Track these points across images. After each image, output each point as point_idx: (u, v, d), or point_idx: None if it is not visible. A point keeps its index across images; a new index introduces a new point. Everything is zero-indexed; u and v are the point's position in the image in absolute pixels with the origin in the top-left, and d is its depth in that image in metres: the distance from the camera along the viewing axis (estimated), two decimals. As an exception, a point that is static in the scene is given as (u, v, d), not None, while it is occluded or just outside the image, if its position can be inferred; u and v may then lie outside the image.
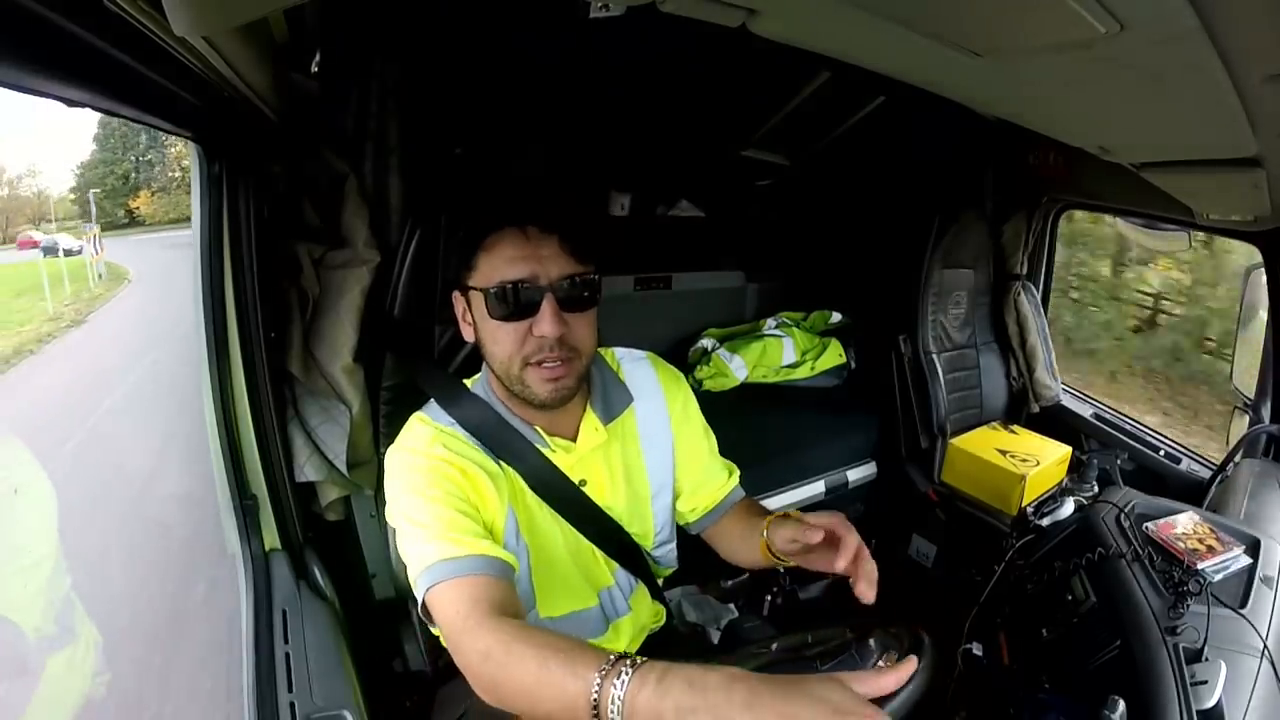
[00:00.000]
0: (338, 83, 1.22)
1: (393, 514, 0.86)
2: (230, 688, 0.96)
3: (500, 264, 0.83)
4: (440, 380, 1.03)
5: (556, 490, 0.92)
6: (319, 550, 1.22)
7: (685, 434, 1.04)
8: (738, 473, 1.09)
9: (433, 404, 0.95)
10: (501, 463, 0.90)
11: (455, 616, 0.73)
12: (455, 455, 0.86)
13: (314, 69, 1.22)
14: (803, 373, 2.36)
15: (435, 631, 1.12)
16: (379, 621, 1.23)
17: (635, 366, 1.04)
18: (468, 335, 0.90)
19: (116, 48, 0.62)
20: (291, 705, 0.88)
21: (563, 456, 0.93)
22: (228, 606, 1.11)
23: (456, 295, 0.90)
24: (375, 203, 1.27)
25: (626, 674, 0.59)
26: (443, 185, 1.43)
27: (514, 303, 0.82)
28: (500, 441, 0.90)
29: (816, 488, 2.03)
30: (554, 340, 0.83)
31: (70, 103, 0.62)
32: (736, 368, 2.29)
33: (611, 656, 0.61)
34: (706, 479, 1.06)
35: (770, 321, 2.49)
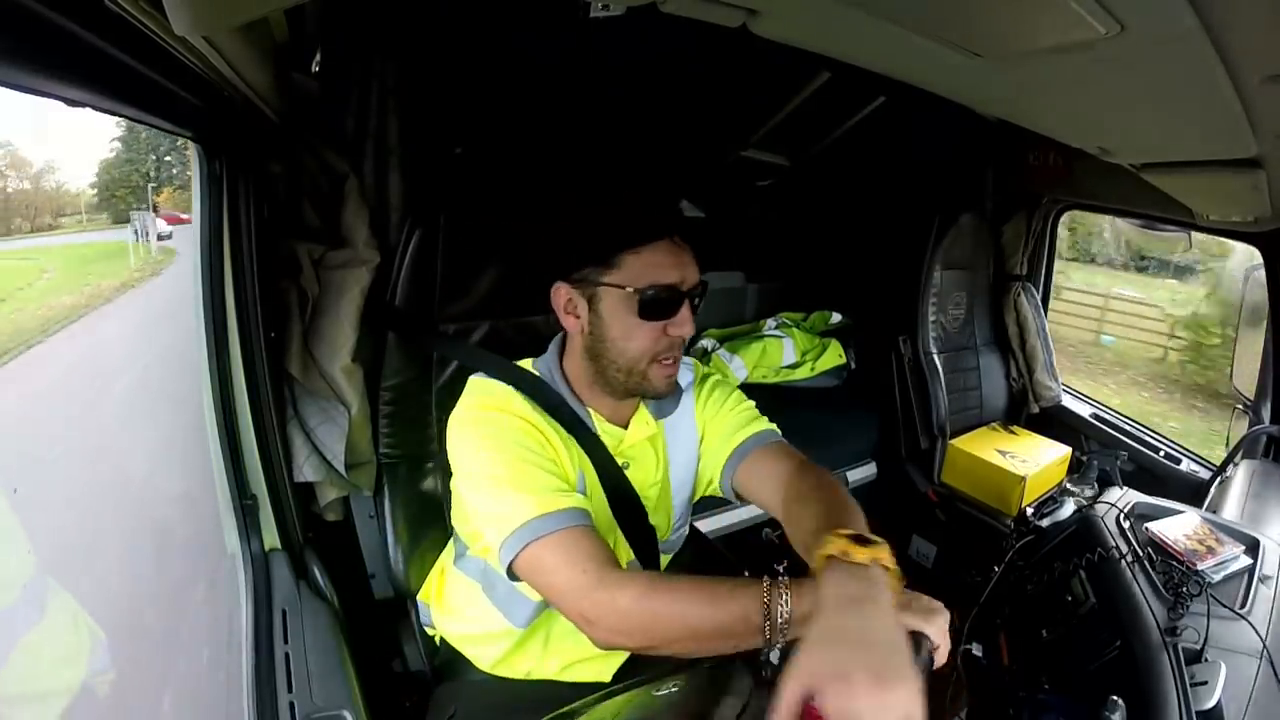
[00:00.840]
0: (338, 83, 1.22)
1: (468, 472, 0.87)
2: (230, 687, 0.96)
3: (652, 268, 0.87)
4: (494, 359, 1.08)
5: (607, 467, 0.96)
6: (319, 550, 1.22)
7: (708, 417, 1.04)
8: (767, 423, 1.03)
9: (482, 377, 0.98)
10: (567, 432, 0.94)
11: (580, 573, 0.76)
12: (533, 414, 0.91)
13: (314, 69, 1.22)
14: (803, 373, 2.36)
15: (433, 630, 1.14)
16: (378, 622, 1.23)
17: (682, 370, 1.05)
18: (570, 327, 0.93)
19: (117, 47, 0.62)
20: (291, 705, 0.88)
21: (612, 440, 0.97)
22: (228, 606, 1.11)
23: (565, 287, 0.92)
24: (375, 203, 1.27)
25: (785, 587, 0.69)
26: (443, 185, 1.43)
27: (662, 304, 0.87)
28: (561, 413, 0.94)
29: (816, 488, 2.02)
30: (685, 338, 0.90)
31: (71, 102, 0.62)
32: (736, 368, 2.29)
33: (766, 579, 0.71)
34: (722, 432, 1.02)
35: (770, 322, 2.49)
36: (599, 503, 0.97)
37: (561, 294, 0.92)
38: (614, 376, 0.92)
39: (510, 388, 0.93)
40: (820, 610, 0.60)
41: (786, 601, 0.69)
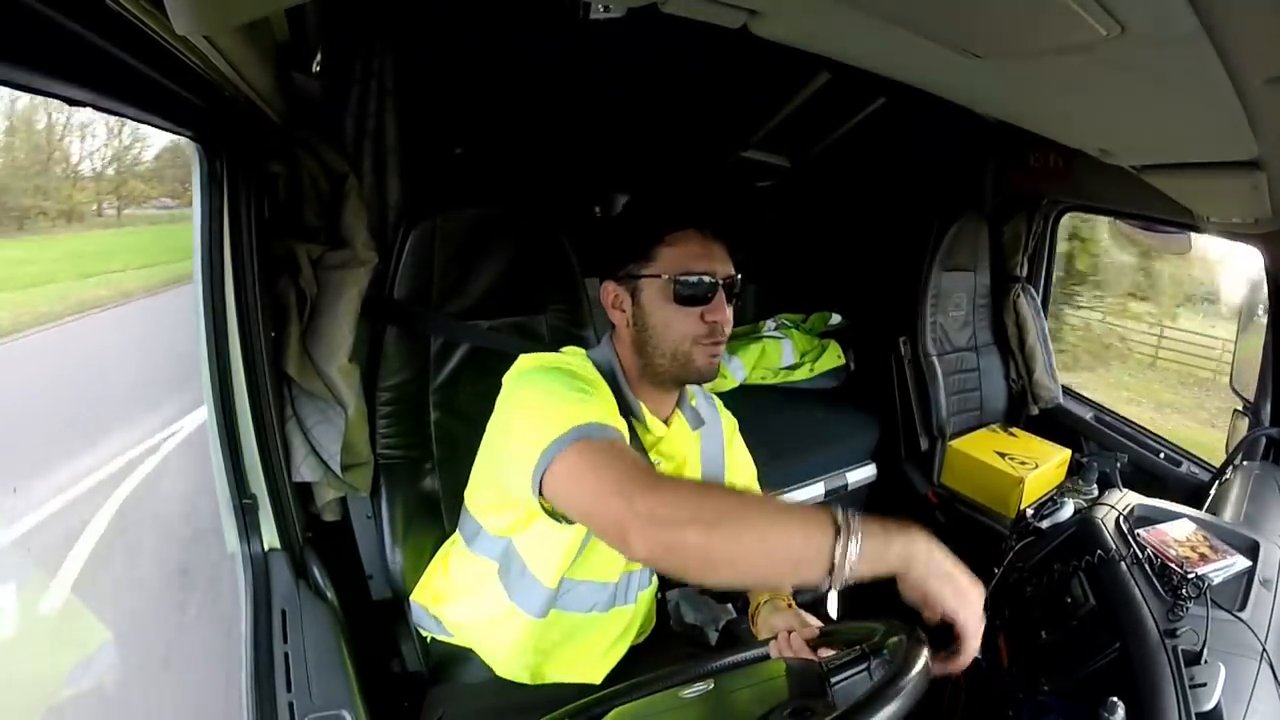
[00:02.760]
0: (338, 83, 1.22)
1: (518, 409, 0.89)
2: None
3: (684, 258, 0.95)
4: (533, 346, 1.18)
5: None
6: (318, 550, 1.22)
7: (735, 472, 1.16)
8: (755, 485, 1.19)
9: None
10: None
11: (628, 468, 0.74)
12: (596, 380, 0.96)
13: (314, 69, 1.23)
14: (801, 374, 2.35)
15: (426, 633, 1.14)
16: (376, 622, 1.23)
17: (702, 399, 1.16)
18: (618, 321, 1.00)
19: (118, 47, 0.62)
20: (290, 705, 0.88)
21: (651, 435, 1.02)
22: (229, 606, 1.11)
23: (612, 284, 0.99)
24: (374, 203, 1.27)
25: (860, 531, 0.67)
26: (442, 185, 1.43)
27: (695, 291, 0.94)
28: (620, 397, 0.98)
29: (816, 489, 2.03)
30: (721, 326, 0.96)
31: (72, 102, 0.62)
32: (735, 369, 2.29)
33: (836, 515, 0.68)
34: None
35: (769, 323, 2.49)
36: None
37: (609, 291, 1.00)
38: (660, 364, 0.98)
39: (573, 359, 0.98)
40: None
41: (858, 545, 0.66)
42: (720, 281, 0.96)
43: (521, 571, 0.99)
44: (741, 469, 1.18)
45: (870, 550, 0.67)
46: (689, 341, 0.96)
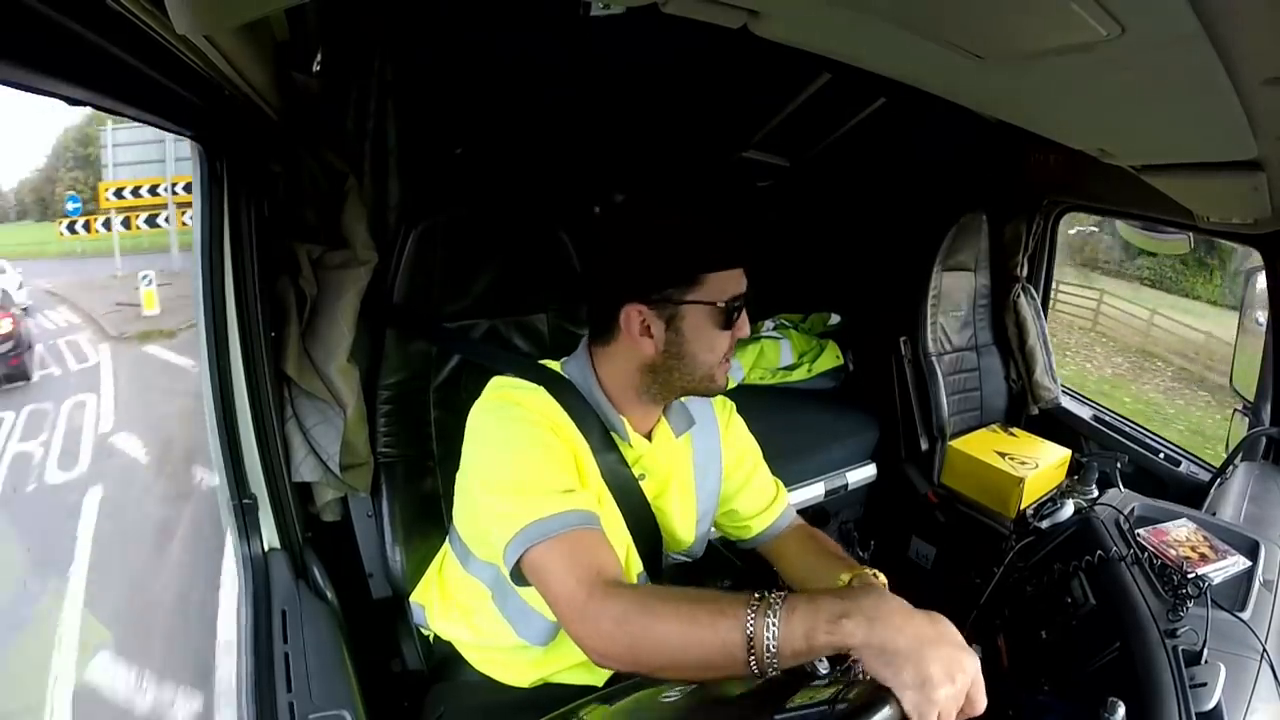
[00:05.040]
0: (338, 82, 1.22)
1: (482, 465, 0.89)
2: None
3: (730, 281, 0.92)
4: (516, 358, 1.15)
5: (621, 478, 0.97)
6: (318, 550, 1.22)
7: (735, 463, 1.10)
8: (784, 491, 1.13)
9: (512, 375, 0.98)
10: (586, 441, 0.94)
11: (575, 583, 0.75)
12: (557, 415, 0.92)
13: (314, 69, 1.23)
14: (800, 375, 2.35)
15: (426, 632, 1.13)
16: (376, 622, 1.23)
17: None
18: (646, 348, 0.91)
19: (119, 47, 0.62)
20: (290, 705, 0.88)
21: (632, 450, 0.98)
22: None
23: (640, 309, 0.90)
24: (374, 203, 1.27)
25: (778, 606, 0.64)
26: (442, 185, 1.43)
27: (736, 313, 0.92)
28: (585, 421, 0.94)
29: (816, 490, 2.03)
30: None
31: (72, 101, 0.62)
32: (733, 369, 2.29)
33: (753, 596, 0.66)
34: (755, 500, 1.10)
35: (768, 323, 2.49)
36: (610, 514, 0.96)
37: (635, 317, 0.90)
38: (679, 385, 0.95)
39: (529, 385, 0.94)
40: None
41: (775, 627, 0.63)
42: (745, 296, 0.94)
43: (520, 606, 0.96)
44: (742, 456, 1.11)
45: (796, 629, 0.62)
46: (718, 364, 0.95)
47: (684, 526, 1.06)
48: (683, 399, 1.05)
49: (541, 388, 0.94)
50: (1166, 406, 7.55)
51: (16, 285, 7.23)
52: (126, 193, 8.69)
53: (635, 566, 1.02)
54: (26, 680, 2.45)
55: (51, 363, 6.44)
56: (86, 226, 10.01)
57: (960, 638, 0.62)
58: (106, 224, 9.36)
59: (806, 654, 0.63)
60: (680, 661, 0.69)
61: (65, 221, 10.26)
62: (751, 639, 0.63)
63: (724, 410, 1.13)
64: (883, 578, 0.92)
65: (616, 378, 0.96)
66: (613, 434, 0.96)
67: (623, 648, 0.71)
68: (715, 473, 1.08)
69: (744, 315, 0.94)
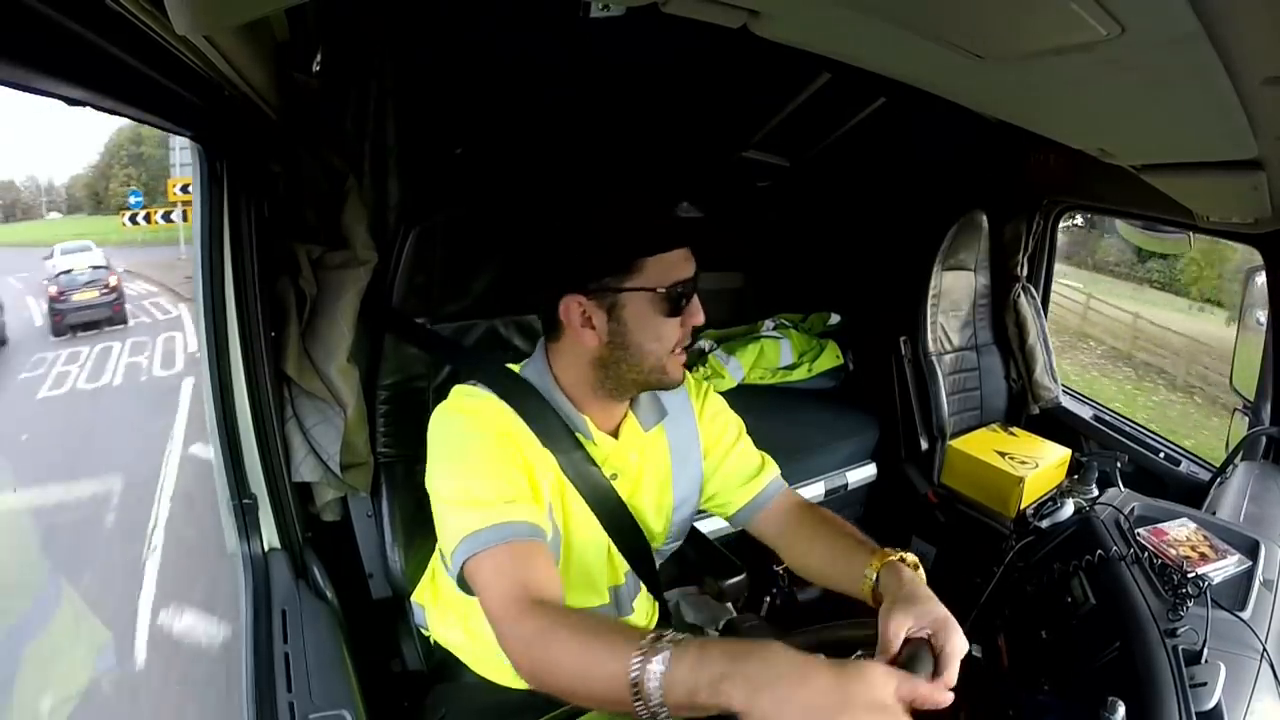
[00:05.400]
0: (338, 82, 1.22)
1: (433, 474, 0.87)
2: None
3: (672, 266, 0.87)
4: (481, 361, 1.10)
5: (590, 479, 0.94)
6: (318, 550, 1.22)
7: (713, 441, 1.05)
8: (773, 464, 1.07)
9: (473, 383, 0.96)
10: (545, 445, 0.92)
11: (500, 595, 0.75)
12: (515, 429, 0.89)
13: (314, 69, 1.23)
14: (800, 374, 2.36)
15: (427, 632, 1.13)
16: (376, 622, 1.23)
17: None
18: (588, 340, 0.89)
19: (118, 47, 0.62)
20: (291, 705, 0.88)
21: (599, 449, 0.95)
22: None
23: (578, 300, 0.87)
24: (374, 203, 1.27)
25: (666, 651, 0.60)
26: (442, 185, 1.43)
27: (683, 299, 0.88)
28: (546, 425, 0.92)
29: (816, 489, 2.03)
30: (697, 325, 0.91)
31: (72, 102, 0.62)
32: (733, 369, 2.29)
33: (650, 635, 0.63)
34: (736, 473, 1.05)
35: (768, 323, 2.49)
36: (582, 516, 0.95)
37: (575, 308, 0.88)
38: (630, 379, 0.90)
39: (486, 395, 0.92)
40: (903, 587, 0.76)
41: (659, 676, 0.59)
42: (694, 281, 0.89)
43: None
44: (721, 432, 1.06)
45: (679, 684, 0.58)
46: (668, 353, 0.89)
47: (663, 519, 1.03)
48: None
49: (493, 395, 0.92)
50: (1075, 377, 7.91)
51: (103, 259, 9.66)
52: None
53: (621, 566, 1.01)
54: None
55: (142, 315, 8.91)
56: (147, 218, 11.57)
57: (881, 693, 0.55)
58: (166, 216, 11.22)
59: (695, 710, 0.58)
60: (578, 692, 0.68)
61: (128, 214, 11.66)
62: (636, 684, 0.60)
63: (697, 390, 1.08)
64: (912, 558, 0.85)
65: (570, 374, 0.93)
66: (577, 434, 0.93)
67: (528, 670, 0.71)
68: (695, 458, 1.04)
69: (694, 302, 0.89)
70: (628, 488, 0.98)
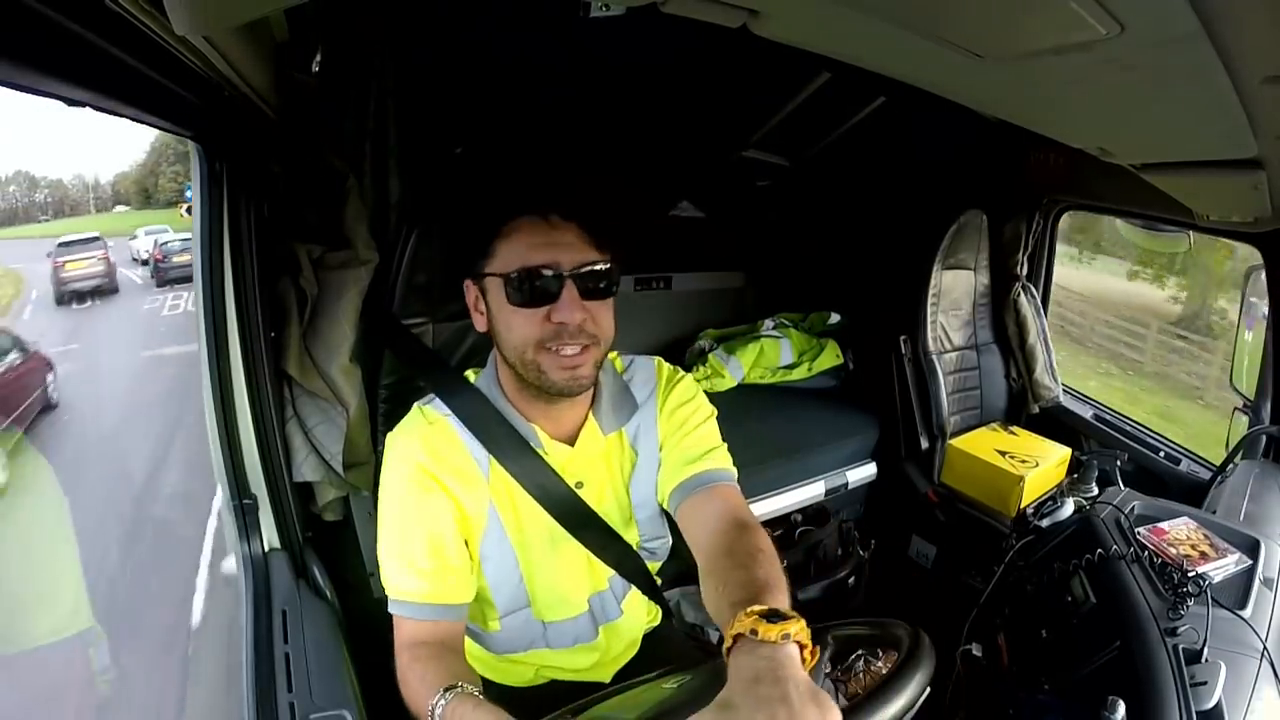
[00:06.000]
0: (338, 82, 1.22)
1: (381, 507, 0.90)
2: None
3: (520, 250, 0.83)
4: (438, 372, 1.06)
5: (550, 490, 0.91)
6: (318, 550, 1.22)
7: (670, 431, 0.97)
8: (726, 459, 0.96)
9: (427, 401, 0.96)
10: (492, 459, 0.90)
11: (404, 641, 0.86)
12: (440, 460, 0.88)
13: (314, 69, 1.22)
14: (800, 374, 2.35)
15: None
16: (377, 621, 1.23)
17: (640, 371, 1.00)
18: (479, 325, 0.90)
19: (118, 47, 0.62)
20: (291, 705, 0.88)
21: (557, 457, 0.93)
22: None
23: (469, 284, 0.89)
24: (375, 203, 1.27)
25: (446, 698, 0.74)
26: (443, 185, 1.43)
27: (534, 289, 0.82)
28: (493, 437, 0.90)
29: (816, 489, 2.03)
30: (575, 327, 0.82)
31: (71, 102, 0.62)
32: (733, 369, 2.29)
33: (459, 686, 0.74)
34: (681, 455, 0.95)
35: (768, 322, 2.49)
36: (543, 529, 0.93)
37: (469, 291, 0.90)
38: (519, 372, 0.87)
39: (426, 421, 0.92)
40: (727, 686, 0.57)
41: (442, 711, 0.72)
42: (567, 273, 0.82)
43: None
44: (682, 422, 0.96)
45: None
46: (532, 349, 0.83)
47: (628, 521, 1.00)
48: (628, 384, 0.97)
49: (444, 416, 0.91)
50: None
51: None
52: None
53: (603, 573, 1.00)
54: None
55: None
56: (204, 211, 13.41)
57: None
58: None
59: None
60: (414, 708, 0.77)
61: (185, 205, 12.82)
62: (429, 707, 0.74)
63: (667, 381, 1.00)
64: (797, 632, 0.60)
65: (505, 376, 0.91)
66: (530, 444, 0.90)
67: (401, 687, 0.82)
68: (652, 452, 0.97)
69: (568, 295, 0.81)
70: (595, 494, 0.95)
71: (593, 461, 0.95)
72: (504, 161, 1.62)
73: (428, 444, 0.89)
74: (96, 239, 12.11)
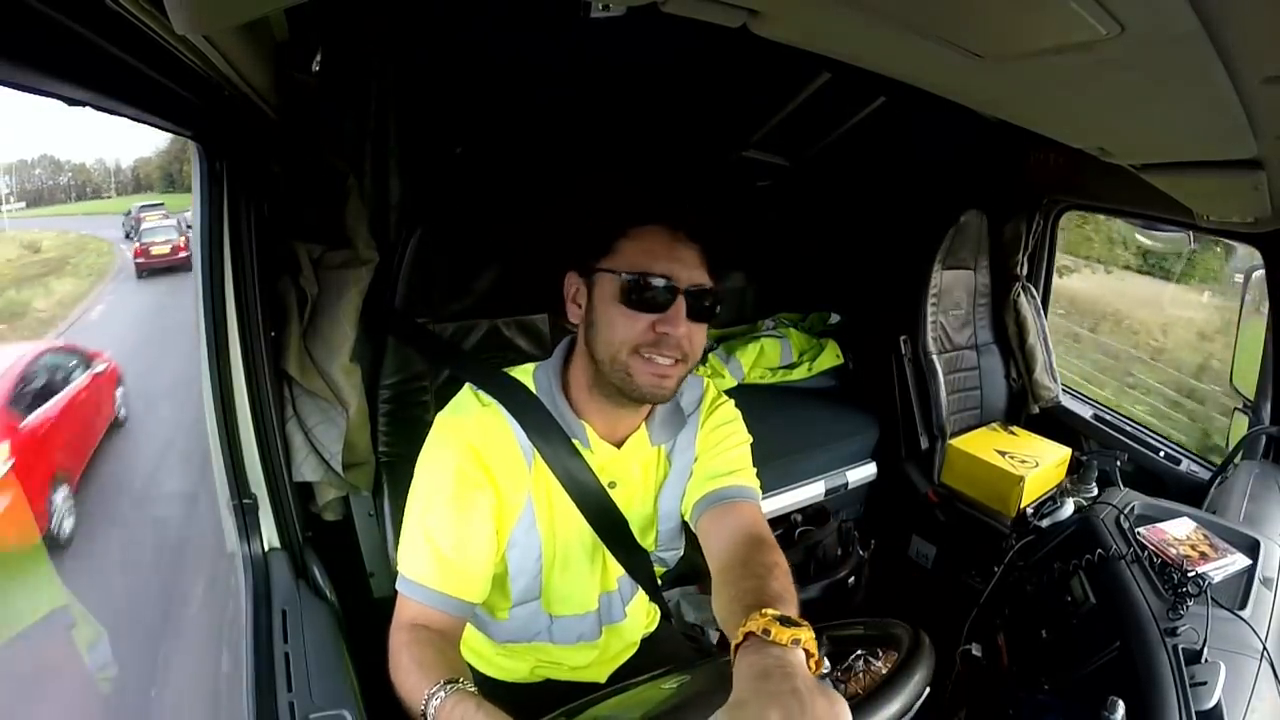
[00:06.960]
0: (338, 82, 1.22)
1: (414, 482, 0.90)
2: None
3: (643, 255, 0.85)
4: (472, 366, 1.11)
5: (583, 487, 0.93)
6: (318, 550, 1.22)
7: (705, 448, 1.00)
8: (752, 477, 0.99)
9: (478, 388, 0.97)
10: (536, 450, 0.92)
11: (402, 619, 0.85)
12: (490, 444, 0.90)
13: (314, 68, 1.22)
14: (800, 373, 2.36)
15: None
16: (378, 620, 1.23)
17: (689, 389, 1.02)
18: (573, 316, 0.92)
19: (118, 47, 0.62)
20: (291, 705, 0.88)
21: (600, 457, 0.94)
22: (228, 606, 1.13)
23: (572, 275, 0.91)
24: (375, 202, 1.27)
25: (441, 695, 0.72)
26: (442, 185, 1.43)
27: (648, 295, 0.84)
28: (537, 428, 0.92)
29: (816, 489, 2.03)
30: (675, 340, 0.85)
31: (71, 102, 0.62)
32: (733, 369, 2.29)
33: (459, 682, 0.74)
34: (708, 469, 0.98)
35: (768, 322, 2.49)
36: (573, 525, 0.95)
37: (570, 283, 0.92)
38: (603, 371, 0.88)
39: (479, 403, 0.93)
40: (735, 684, 0.58)
41: (438, 703, 0.72)
42: (683, 289, 0.84)
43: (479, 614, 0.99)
44: (718, 443, 0.99)
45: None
46: (628, 350, 0.84)
47: (650, 530, 1.02)
48: (679, 401, 0.99)
49: (494, 403, 0.92)
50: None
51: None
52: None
53: (614, 571, 1.02)
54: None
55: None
56: (233, 194, 14.22)
57: None
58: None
59: None
60: (414, 713, 0.75)
61: None
62: (425, 711, 0.72)
63: (711, 401, 1.03)
64: (806, 640, 0.62)
65: (578, 371, 0.93)
66: (574, 441, 0.92)
67: (390, 670, 0.81)
68: (687, 467, 1.00)
69: (677, 308, 0.84)
70: (625, 496, 0.97)
71: (631, 467, 0.97)
72: (638, 167, 1.61)
73: (482, 426, 0.90)
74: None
